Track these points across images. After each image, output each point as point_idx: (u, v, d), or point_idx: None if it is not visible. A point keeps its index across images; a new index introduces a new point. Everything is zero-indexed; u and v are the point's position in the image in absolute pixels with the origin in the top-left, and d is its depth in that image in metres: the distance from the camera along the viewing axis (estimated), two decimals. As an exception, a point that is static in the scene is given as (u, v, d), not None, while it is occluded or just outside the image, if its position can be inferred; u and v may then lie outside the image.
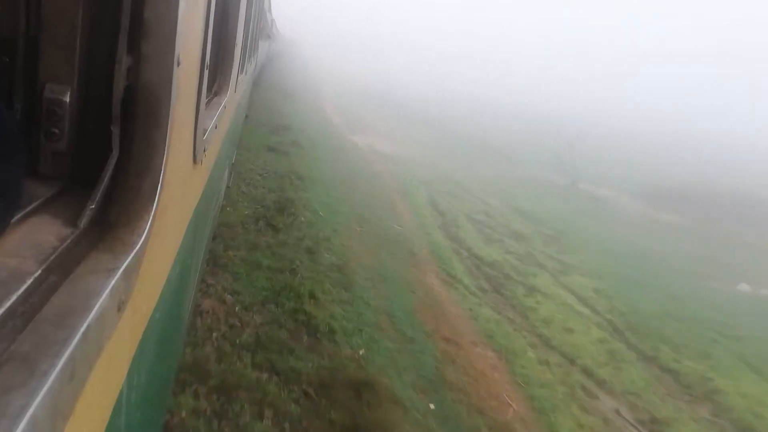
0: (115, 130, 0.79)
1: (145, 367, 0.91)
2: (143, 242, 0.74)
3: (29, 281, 0.58)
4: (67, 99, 0.78)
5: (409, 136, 25.04)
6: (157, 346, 1.08)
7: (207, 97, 1.51)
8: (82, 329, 0.54)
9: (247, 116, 8.10)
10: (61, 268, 0.63)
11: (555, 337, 7.21)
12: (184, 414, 2.94)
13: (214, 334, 3.84)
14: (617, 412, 5.83)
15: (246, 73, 4.74)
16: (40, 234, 0.68)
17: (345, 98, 36.23)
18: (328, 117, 24.85)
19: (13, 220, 0.65)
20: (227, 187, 4.92)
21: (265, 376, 3.63)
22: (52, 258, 0.63)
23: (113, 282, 0.63)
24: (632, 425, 5.48)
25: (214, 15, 1.26)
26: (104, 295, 0.60)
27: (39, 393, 0.44)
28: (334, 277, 5.89)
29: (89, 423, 0.59)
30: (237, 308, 4.35)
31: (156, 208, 0.78)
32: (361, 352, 4.51)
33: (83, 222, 0.73)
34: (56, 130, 0.79)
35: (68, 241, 0.68)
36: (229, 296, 4.44)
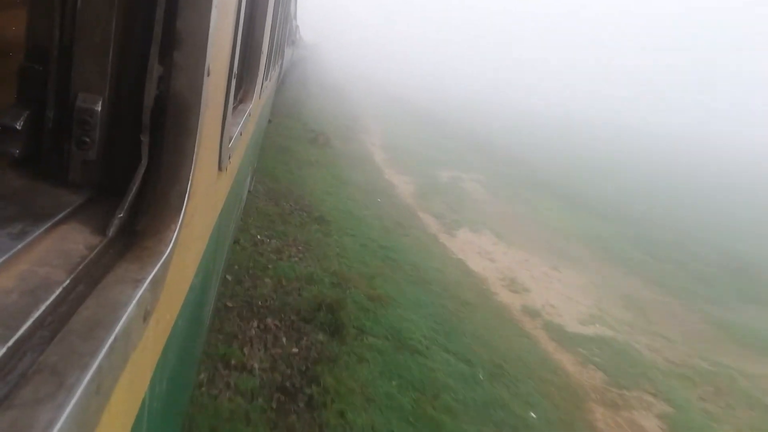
0: (145, 139, 0.83)
1: (166, 374, 0.95)
2: (170, 251, 0.78)
3: (58, 291, 0.63)
4: (99, 108, 0.82)
5: (552, 229, 14.40)
6: (179, 353, 1.11)
7: (233, 105, 1.50)
8: (110, 341, 0.57)
9: (270, 121, 8.31)
10: (89, 277, 0.68)
11: None
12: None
13: None
14: None
15: (270, 80, 4.89)
16: (69, 242, 0.73)
17: (396, 130, 27.83)
18: (386, 180, 15.96)
19: (43, 228, 0.71)
20: (249, 191, 5.04)
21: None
22: (80, 267, 0.68)
23: (140, 292, 0.67)
24: None
25: (243, 24, 1.34)
26: (131, 306, 0.64)
27: (67, 407, 0.48)
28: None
29: None
30: None
31: (183, 217, 0.83)
32: None
33: (111, 231, 0.77)
34: (87, 139, 0.83)
35: (96, 250, 0.73)
36: None
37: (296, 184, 10.57)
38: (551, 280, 10.20)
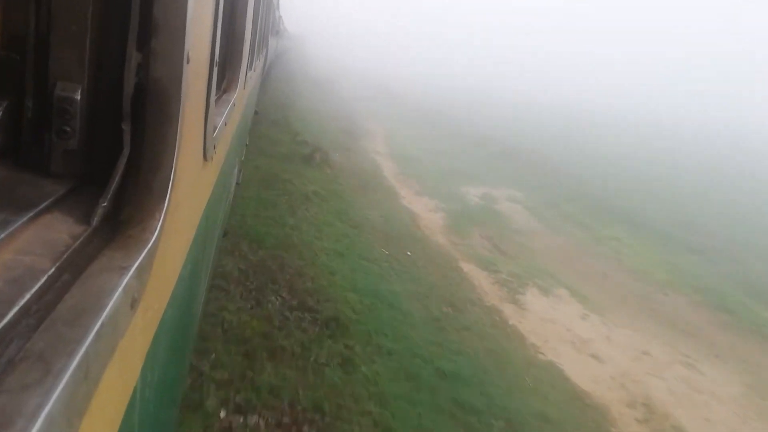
0: (126, 128, 0.83)
1: (158, 363, 0.95)
2: (155, 240, 0.78)
3: (43, 279, 0.63)
4: (78, 97, 0.82)
5: (639, 276, 10.72)
6: (170, 342, 1.10)
7: (216, 95, 1.54)
8: (96, 328, 0.58)
9: (256, 112, 8.34)
10: (74, 265, 0.69)
11: None
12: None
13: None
14: None
15: (255, 70, 4.74)
16: (53, 232, 0.72)
17: (396, 129, 23.70)
18: (407, 209, 12.04)
19: (26, 218, 0.73)
20: (237, 183, 5.04)
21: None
22: (65, 256, 0.69)
23: (126, 280, 0.68)
24: None
25: (223, 11, 1.33)
26: (117, 294, 0.65)
27: (54, 391, 0.48)
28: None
29: (104, 420, 0.64)
30: None
31: (167, 206, 0.84)
32: None
33: (95, 220, 0.77)
34: (68, 128, 0.82)
35: (81, 239, 0.74)
36: None
37: (290, 247, 7.33)
38: (699, 393, 7.09)
